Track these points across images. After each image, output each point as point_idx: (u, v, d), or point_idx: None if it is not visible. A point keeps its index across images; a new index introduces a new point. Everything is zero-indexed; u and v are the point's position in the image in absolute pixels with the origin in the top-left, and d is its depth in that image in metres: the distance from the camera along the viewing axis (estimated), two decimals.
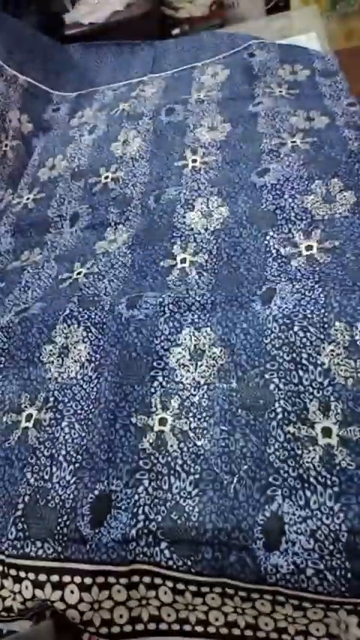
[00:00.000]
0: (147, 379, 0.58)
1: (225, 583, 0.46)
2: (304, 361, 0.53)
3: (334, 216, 0.68)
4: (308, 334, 0.54)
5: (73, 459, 0.53)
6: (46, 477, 0.53)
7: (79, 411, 0.56)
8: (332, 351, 0.53)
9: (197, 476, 0.50)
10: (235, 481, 0.49)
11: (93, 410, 0.56)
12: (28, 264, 0.78)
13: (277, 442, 0.50)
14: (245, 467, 0.49)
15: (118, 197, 0.81)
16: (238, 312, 0.60)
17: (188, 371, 0.57)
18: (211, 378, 0.56)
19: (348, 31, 1.76)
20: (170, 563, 0.46)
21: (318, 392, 0.51)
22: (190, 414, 0.54)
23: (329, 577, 0.42)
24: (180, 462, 0.51)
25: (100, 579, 0.48)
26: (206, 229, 0.71)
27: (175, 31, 1.84)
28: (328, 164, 0.74)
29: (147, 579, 0.47)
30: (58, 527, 0.50)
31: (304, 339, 0.54)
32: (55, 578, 0.48)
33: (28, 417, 0.58)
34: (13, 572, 0.49)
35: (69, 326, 0.63)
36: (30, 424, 0.57)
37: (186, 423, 0.54)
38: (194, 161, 0.80)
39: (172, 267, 0.69)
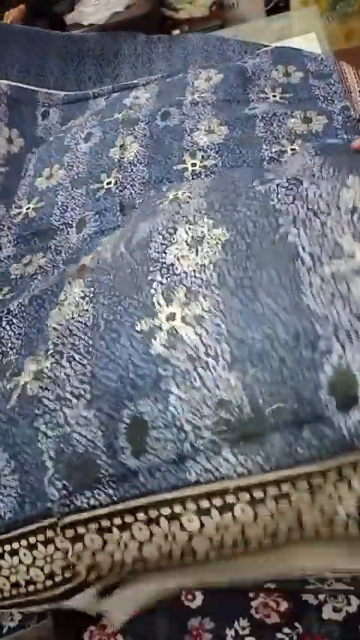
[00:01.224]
0: (145, 284, 0.52)
1: (308, 474, 0.39)
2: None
3: (311, 130, 0.81)
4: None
5: (82, 391, 0.48)
6: (62, 422, 0.48)
7: (76, 344, 0.52)
8: None
9: (228, 357, 0.43)
10: (275, 346, 0.41)
11: (92, 336, 0.51)
12: (35, 271, 0.78)
13: (314, 287, 0.42)
14: (281, 327, 0.42)
15: (122, 202, 0.81)
16: (239, 191, 0.54)
17: (188, 259, 0.51)
18: (216, 255, 0.49)
19: (348, 32, 1.76)
20: (240, 469, 0.40)
21: None
22: (201, 296, 0.47)
23: None
24: (203, 349, 0.44)
25: (166, 510, 0.43)
26: (211, 142, 0.82)
27: (175, 32, 1.84)
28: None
29: (218, 501, 0.41)
30: (102, 471, 0.45)
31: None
32: (117, 521, 0.44)
33: (28, 374, 0.54)
34: (69, 532, 0.46)
35: (70, 284, 0.62)
36: (29, 378, 0.54)
37: (197, 305, 0.46)
38: (194, 165, 0.81)
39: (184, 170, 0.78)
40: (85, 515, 0.45)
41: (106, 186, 0.84)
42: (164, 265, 0.52)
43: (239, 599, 0.53)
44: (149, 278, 0.52)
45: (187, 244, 0.52)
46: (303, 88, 0.88)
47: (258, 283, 0.45)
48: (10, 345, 0.63)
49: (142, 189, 0.82)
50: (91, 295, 0.56)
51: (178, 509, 0.43)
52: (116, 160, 0.86)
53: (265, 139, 0.81)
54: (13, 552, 0.49)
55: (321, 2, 1.65)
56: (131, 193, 0.81)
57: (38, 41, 1.10)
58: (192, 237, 0.52)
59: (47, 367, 0.52)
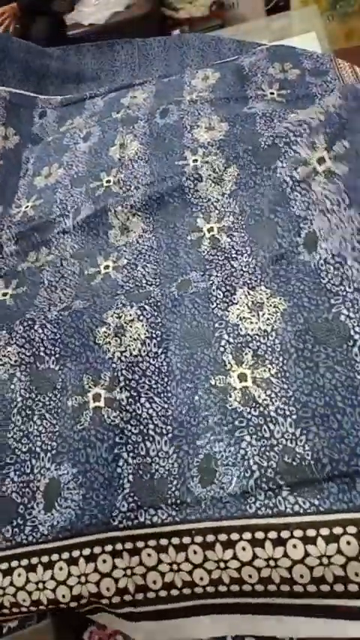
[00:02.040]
0: (213, 341, 0.57)
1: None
2: None
3: (329, 111, 0.66)
4: None
5: (164, 431, 0.53)
6: (143, 453, 0.52)
7: (154, 386, 0.56)
8: None
9: (295, 416, 0.49)
10: (334, 412, 0.48)
11: (168, 382, 0.56)
12: (42, 264, 0.77)
13: None
14: (339, 397, 0.49)
15: (120, 198, 0.80)
16: (289, 268, 0.59)
17: (251, 322, 0.57)
18: (277, 324, 0.55)
19: (348, 31, 1.76)
20: (296, 508, 0.45)
21: None
22: (267, 361, 0.53)
23: None
24: (273, 408, 0.50)
25: (223, 537, 0.46)
26: (223, 194, 0.71)
27: (175, 31, 1.84)
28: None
29: (273, 534, 0.45)
30: (169, 493, 0.49)
31: None
32: (175, 541, 0.47)
33: (97, 397, 0.57)
34: (128, 545, 0.48)
35: (121, 308, 0.62)
36: (101, 403, 0.56)
37: (265, 370, 0.53)
38: (195, 161, 0.80)
39: (201, 238, 0.69)
40: (146, 530, 0.48)
41: (105, 184, 0.83)
42: (229, 324, 0.58)
43: None
44: (217, 335, 0.57)
45: (248, 308, 0.58)
46: (300, 85, 0.87)
47: (317, 356, 0.52)
48: (44, 349, 0.64)
49: (144, 188, 0.79)
50: (159, 339, 0.59)
51: (234, 537, 0.46)
52: (116, 159, 0.85)
53: (264, 134, 0.79)
54: (49, 565, 0.49)
55: (321, 2, 1.65)
56: (134, 193, 0.79)
57: (38, 54, 1.11)
58: (252, 301, 0.58)
59: (123, 400, 0.55)
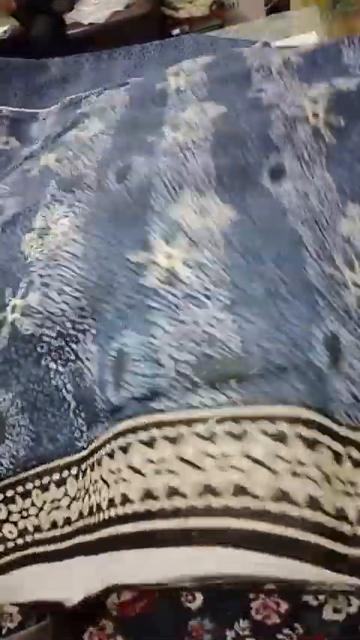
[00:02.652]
0: (142, 223, 0.50)
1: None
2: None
3: (338, 89, 0.60)
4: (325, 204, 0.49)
5: (86, 326, 0.46)
6: (72, 357, 0.46)
7: (65, 274, 0.49)
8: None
9: (227, 301, 0.41)
10: (276, 301, 0.41)
11: (82, 266, 0.49)
12: None
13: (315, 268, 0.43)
14: (283, 286, 0.42)
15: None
16: (247, 185, 0.53)
17: (194, 221, 0.49)
18: (225, 227, 0.48)
19: (348, 31, 1.76)
20: (210, 402, 0.37)
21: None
22: (205, 248, 0.46)
23: None
24: (201, 289, 0.42)
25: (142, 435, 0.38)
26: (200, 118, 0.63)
27: (176, 31, 1.84)
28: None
29: (184, 429, 0.37)
30: (99, 406, 0.43)
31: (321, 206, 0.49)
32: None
33: (14, 309, 0.50)
34: (90, 461, 0.43)
35: (49, 209, 0.56)
36: (17, 314, 0.49)
37: (201, 255, 0.45)
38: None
39: (161, 139, 0.61)
40: (101, 444, 0.41)
41: (80, 111, 0.80)
42: (167, 218, 0.50)
43: (239, 600, 0.53)
44: (147, 219, 0.50)
45: (194, 211, 0.50)
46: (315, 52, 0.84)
47: (265, 253, 0.45)
48: None
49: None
50: (82, 226, 0.52)
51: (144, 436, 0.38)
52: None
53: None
54: (26, 494, 0.46)
55: (321, 2, 1.65)
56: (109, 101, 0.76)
57: (37, 69, 1.12)
58: (198, 206, 0.50)
59: (35, 301, 0.49)
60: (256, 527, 0.32)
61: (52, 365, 0.47)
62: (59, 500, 0.44)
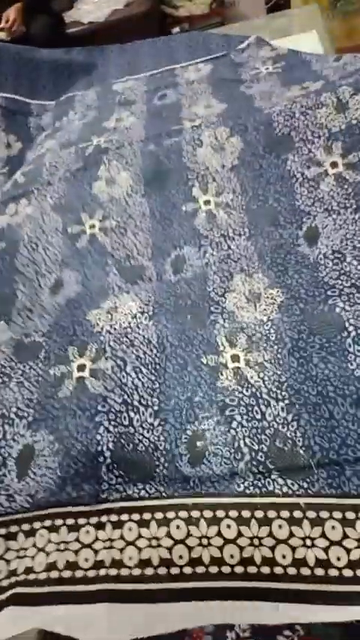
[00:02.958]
0: (208, 323, 0.56)
1: (347, 505, 0.44)
2: None
3: (350, 123, 0.64)
4: None
5: (150, 402, 0.52)
6: (126, 423, 0.51)
7: (141, 356, 0.55)
8: None
9: (287, 401, 0.49)
10: (326, 402, 0.48)
11: (158, 354, 0.55)
12: (21, 218, 0.73)
13: (358, 358, 0.49)
14: (331, 387, 0.49)
15: (112, 150, 0.75)
16: (288, 258, 0.59)
17: (248, 311, 0.56)
18: (273, 314, 0.55)
19: (349, 30, 1.76)
20: (285, 489, 0.45)
21: None
22: (262, 347, 0.53)
23: None
24: (265, 391, 0.50)
25: (208, 513, 0.46)
26: (223, 166, 0.68)
27: (175, 29, 1.84)
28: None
29: (259, 513, 0.45)
30: (157, 470, 0.49)
31: None
32: (159, 515, 0.47)
33: (81, 367, 0.55)
34: (113, 517, 0.48)
35: (116, 296, 0.61)
36: (85, 374, 0.55)
37: (260, 355, 0.53)
38: (195, 127, 0.74)
39: (197, 210, 0.66)
40: (133, 503, 0.47)
41: (95, 144, 0.79)
42: (225, 310, 0.57)
43: None
44: (212, 318, 0.57)
45: (245, 297, 0.57)
46: (293, 55, 0.86)
47: (311, 347, 0.51)
48: (34, 329, 0.62)
49: (139, 140, 0.76)
50: (151, 313, 0.58)
51: (220, 514, 0.45)
52: (111, 127, 0.83)
53: (280, 123, 0.77)
54: (30, 533, 0.49)
55: (322, 0, 1.65)
56: (127, 145, 0.76)
57: (29, 57, 1.11)
58: (249, 290, 0.58)
59: (108, 369, 0.54)
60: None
61: (106, 423, 0.51)
62: (67, 543, 0.47)
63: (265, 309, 0.56)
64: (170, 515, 0.46)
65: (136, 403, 0.52)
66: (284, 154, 0.66)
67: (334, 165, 0.62)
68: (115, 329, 0.57)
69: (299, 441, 0.47)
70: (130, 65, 1.07)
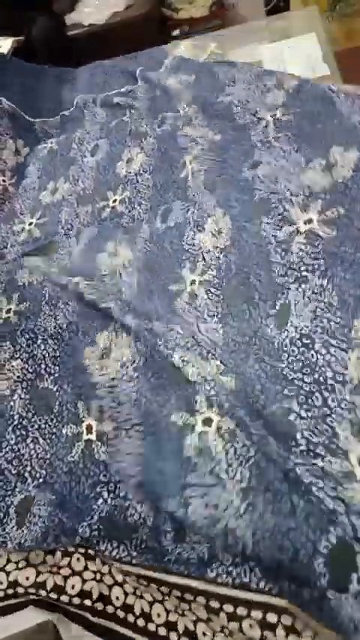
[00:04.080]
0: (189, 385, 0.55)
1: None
2: (329, 381, 0.48)
3: (336, 182, 0.60)
4: (331, 349, 0.50)
5: (134, 473, 0.52)
6: (122, 494, 0.52)
7: (127, 418, 0.56)
8: (358, 358, 0.48)
9: (245, 483, 0.46)
10: (293, 492, 0.44)
11: (135, 413, 0.56)
12: (40, 276, 0.77)
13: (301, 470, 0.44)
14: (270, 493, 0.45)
15: (128, 224, 0.78)
16: (252, 342, 0.56)
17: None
18: (225, 403, 0.52)
19: (348, 32, 1.76)
20: (262, 585, 0.43)
21: (349, 413, 0.45)
22: (224, 414, 0.51)
23: None
24: (224, 466, 0.48)
25: (176, 592, 0.46)
26: (216, 247, 0.67)
27: (175, 32, 1.84)
28: (320, 134, 0.67)
29: (229, 608, 0.44)
30: (136, 536, 0.49)
31: (328, 356, 0.49)
32: (120, 578, 0.49)
33: (89, 429, 0.57)
34: (81, 562, 0.51)
35: (114, 332, 0.64)
36: (92, 436, 0.56)
37: (222, 421, 0.51)
38: (192, 165, 0.76)
39: (181, 291, 0.65)
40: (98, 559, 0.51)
41: (111, 204, 0.82)
42: (182, 381, 0.56)
43: None
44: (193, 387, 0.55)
45: (198, 377, 0.55)
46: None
47: (255, 452, 0.48)
48: (45, 367, 0.65)
49: (147, 206, 0.78)
50: (138, 366, 0.59)
51: (188, 597, 0.46)
52: (122, 174, 0.84)
53: (247, 125, 0.75)
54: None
55: (321, 2, 1.65)
56: (139, 212, 0.78)
57: (33, 73, 1.11)
58: (198, 373, 0.55)
59: (109, 434, 0.55)
60: None
61: (105, 494, 0.52)
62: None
63: (215, 396, 0.52)
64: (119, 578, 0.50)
65: (128, 472, 0.52)
66: (259, 218, 0.63)
67: (308, 222, 0.59)
68: (108, 383, 0.59)
69: (248, 540, 0.44)
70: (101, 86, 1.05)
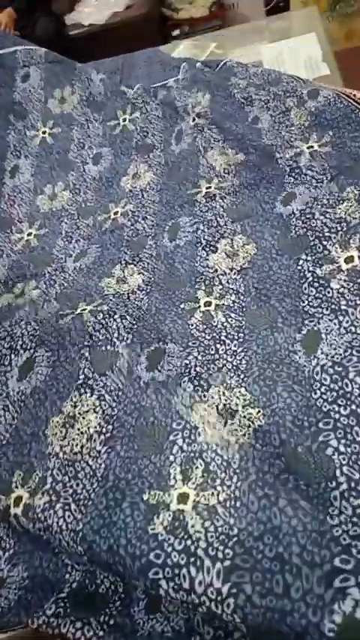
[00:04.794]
0: (165, 446, 0.48)
1: None
2: None
3: None
4: None
5: (73, 550, 0.46)
6: (85, 561, 0.47)
7: (79, 491, 0.48)
8: None
9: (228, 562, 0.39)
10: (285, 570, 0.37)
11: (97, 489, 0.48)
12: (24, 301, 0.72)
13: (344, 515, 0.38)
14: (298, 550, 0.38)
15: (131, 238, 0.75)
16: (279, 370, 0.51)
17: (214, 427, 0.48)
18: (244, 438, 0.46)
19: (348, 32, 1.76)
20: None
21: None
22: (218, 482, 0.44)
23: None
24: (203, 547, 0.40)
25: None
26: (232, 269, 0.64)
27: (175, 32, 1.85)
28: (354, 165, 0.65)
29: None
30: (106, 610, 0.44)
31: None
32: None
33: (17, 501, 0.50)
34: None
35: (80, 395, 0.55)
36: (19, 510, 0.50)
37: (213, 494, 0.43)
38: (208, 188, 0.74)
39: (194, 309, 0.62)
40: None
41: (113, 216, 0.79)
42: (187, 425, 0.49)
43: None
44: (171, 439, 0.49)
45: (218, 411, 0.49)
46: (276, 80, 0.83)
47: (280, 491, 0.41)
48: None
49: (152, 221, 0.75)
50: (108, 435, 0.51)
51: None
52: (127, 189, 0.82)
53: (276, 145, 0.74)
54: None
55: (321, 2, 1.66)
56: (143, 227, 0.75)
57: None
58: (224, 405, 0.49)
59: (39, 507, 0.48)
60: None
61: (67, 560, 0.48)
62: None
63: (236, 430, 0.47)
64: None
65: (66, 546, 0.46)
66: (297, 254, 0.61)
67: (349, 260, 0.57)
68: (65, 453, 0.52)
69: (239, 616, 0.37)
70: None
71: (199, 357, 0.54)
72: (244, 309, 0.60)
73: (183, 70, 0.93)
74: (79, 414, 0.53)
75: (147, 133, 0.87)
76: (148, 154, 0.84)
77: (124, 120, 0.90)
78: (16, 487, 0.51)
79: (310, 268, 0.59)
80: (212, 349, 0.56)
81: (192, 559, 0.40)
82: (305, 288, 0.57)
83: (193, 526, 0.42)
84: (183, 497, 0.44)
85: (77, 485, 0.49)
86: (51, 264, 0.76)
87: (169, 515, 0.43)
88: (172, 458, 0.47)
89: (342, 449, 0.42)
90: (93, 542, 0.44)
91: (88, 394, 0.54)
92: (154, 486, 0.46)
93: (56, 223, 0.82)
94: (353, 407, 0.44)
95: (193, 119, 0.84)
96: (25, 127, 0.93)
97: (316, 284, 0.57)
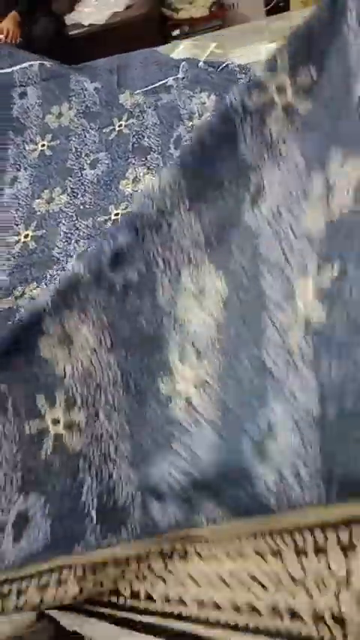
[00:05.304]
0: (162, 341, 0.54)
1: None
2: None
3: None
4: None
5: (125, 453, 0.51)
6: (105, 477, 0.51)
7: (111, 402, 0.53)
8: None
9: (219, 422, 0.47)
10: None
11: (125, 397, 0.53)
12: (24, 302, 0.74)
13: None
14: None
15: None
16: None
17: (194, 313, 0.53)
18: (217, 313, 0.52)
19: None
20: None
21: None
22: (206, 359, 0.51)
23: None
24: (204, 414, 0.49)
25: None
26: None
27: (175, 32, 1.84)
28: None
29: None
30: (130, 519, 0.49)
31: None
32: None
33: (55, 422, 0.54)
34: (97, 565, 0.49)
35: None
36: (60, 429, 0.53)
37: (204, 371, 0.51)
38: None
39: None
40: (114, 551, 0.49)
41: (113, 217, 0.80)
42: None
43: None
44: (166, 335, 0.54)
45: (193, 295, 0.53)
46: None
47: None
48: None
49: None
50: (109, 345, 0.55)
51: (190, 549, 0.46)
52: (128, 193, 0.83)
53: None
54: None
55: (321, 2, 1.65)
56: None
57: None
58: (199, 290, 0.54)
59: (82, 421, 0.53)
60: None
61: (89, 480, 0.51)
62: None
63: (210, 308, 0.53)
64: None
65: (113, 455, 0.51)
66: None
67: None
68: (77, 370, 0.55)
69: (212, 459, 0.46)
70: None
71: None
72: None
73: (183, 69, 0.93)
74: (77, 335, 0.56)
75: (143, 136, 0.88)
76: (146, 156, 0.85)
77: (120, 126, 0.91)
78: (45, 410, 0.54)
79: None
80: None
81: (198, 425, 0.47)
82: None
83: (198, 405, 0.48)
84: (185, 379, 0.50)
85: (108, 397, 0.53)
86: (52, 266, 0.77)
87: (182, 400, 0.49)
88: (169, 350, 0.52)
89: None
90: (140, 439, 0.50)
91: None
92: (163, 376, 0.51)
93: (53, 224, 0.83)
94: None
95: (193, 125, 0.85)
96: (24, 141, 0.95)
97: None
